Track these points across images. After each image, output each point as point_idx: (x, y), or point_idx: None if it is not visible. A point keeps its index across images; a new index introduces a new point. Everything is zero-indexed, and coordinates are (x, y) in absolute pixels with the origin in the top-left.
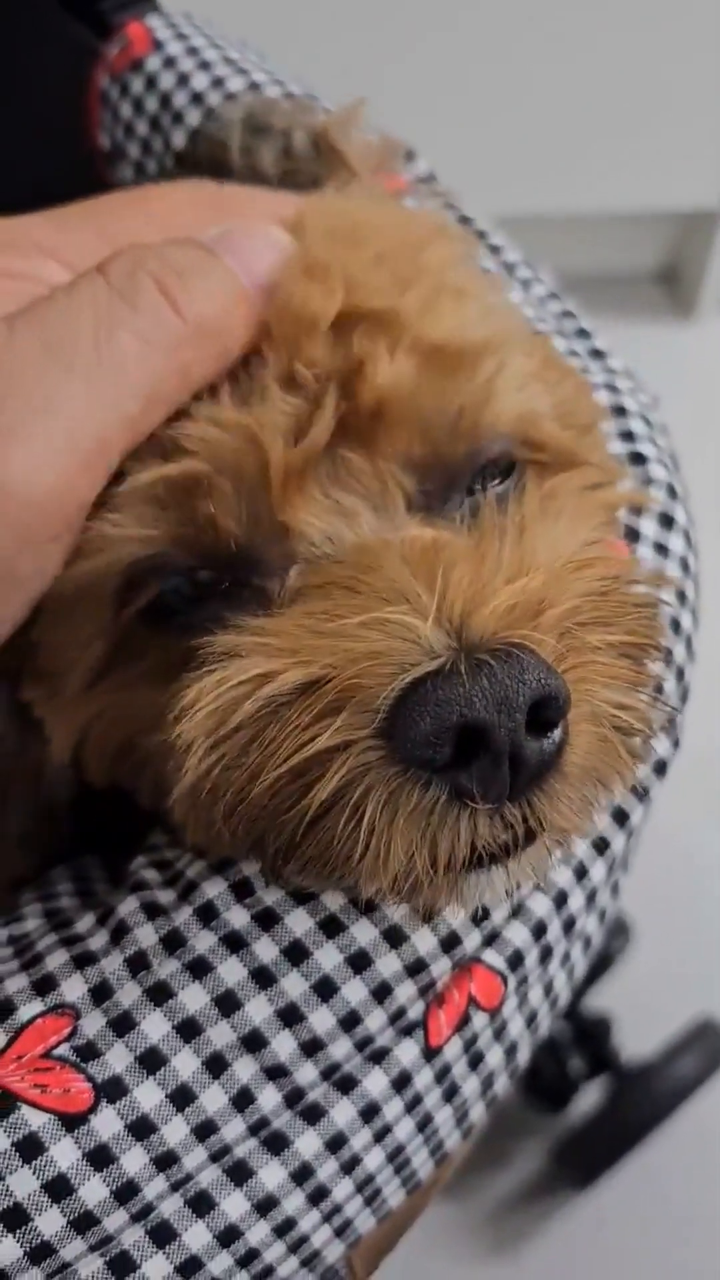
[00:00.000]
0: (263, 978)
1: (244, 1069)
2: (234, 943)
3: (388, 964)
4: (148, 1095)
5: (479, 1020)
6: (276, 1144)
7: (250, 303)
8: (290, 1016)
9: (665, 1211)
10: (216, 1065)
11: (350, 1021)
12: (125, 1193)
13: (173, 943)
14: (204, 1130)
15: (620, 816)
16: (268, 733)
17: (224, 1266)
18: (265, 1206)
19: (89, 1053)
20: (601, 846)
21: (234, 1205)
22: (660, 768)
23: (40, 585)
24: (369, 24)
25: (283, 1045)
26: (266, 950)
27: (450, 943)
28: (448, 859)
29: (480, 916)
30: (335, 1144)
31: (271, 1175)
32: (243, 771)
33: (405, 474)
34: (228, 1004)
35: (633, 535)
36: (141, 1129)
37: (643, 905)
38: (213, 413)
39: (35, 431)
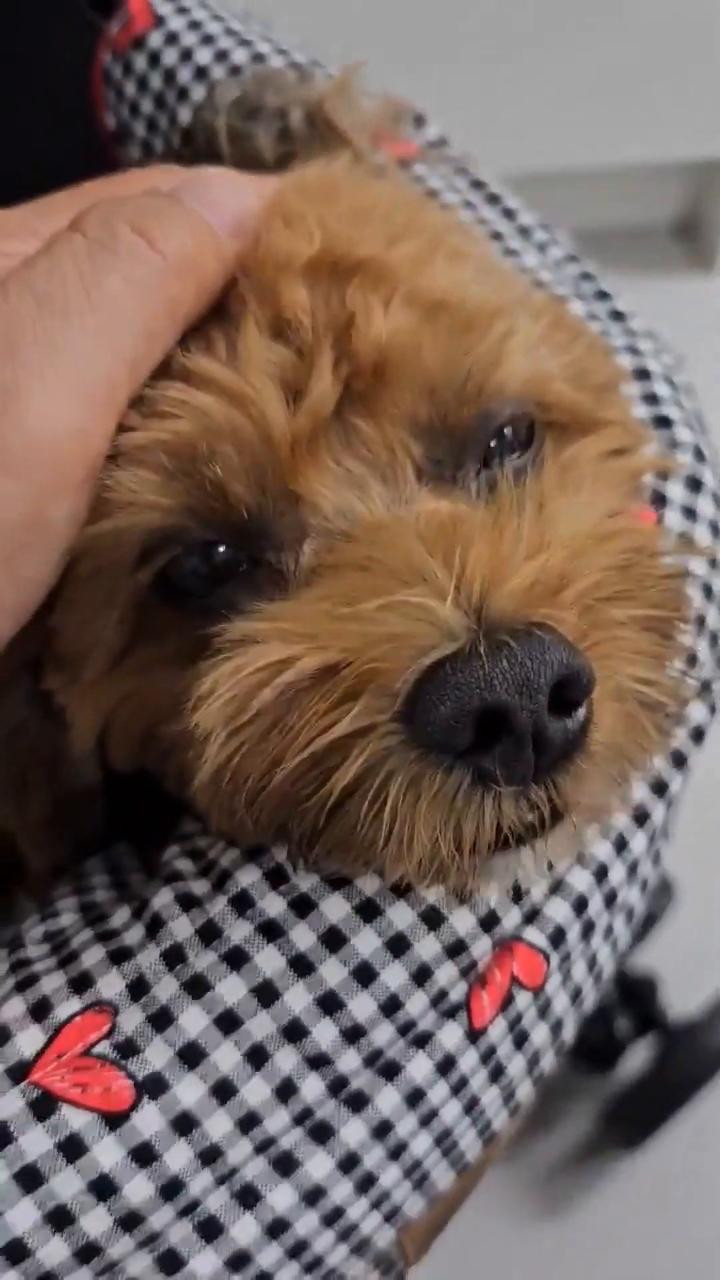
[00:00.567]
0: (301, 966)
1: (285, 1060)
2: (270, 931)
3: (427, 946)
4: (189, 1090)
5: (522, 1000)
6: (322, 1134)
7: (217, 238)
8: (330, 1004)
9: (715, 1170)
10: (257, 1057)
11: (391, 1006)
12: (170, 1189)
13: (209, 934)
14: (248, 1123)
15: (659, 787)
16: (287, 720)
17: (273, 1258)
18: (313, 1197)
19: (129, 1049)
20: (642, 818)
21: (281, 1197)
22: (698, 734)
23: (69, 534)
24: None
25: (324, 1034)
26: (303, 937)
27: (489, 922)
28: (473, 842)
29: (519, 894)
30: (381, 1131)
31: (318, 1165)
32: (263, 759)
33: (413, 440)
34: (266, 994)
35: (659, 500)
36: (184, 1125)
37: (685, 864)
38: (196, 366)
39: (47, 379)
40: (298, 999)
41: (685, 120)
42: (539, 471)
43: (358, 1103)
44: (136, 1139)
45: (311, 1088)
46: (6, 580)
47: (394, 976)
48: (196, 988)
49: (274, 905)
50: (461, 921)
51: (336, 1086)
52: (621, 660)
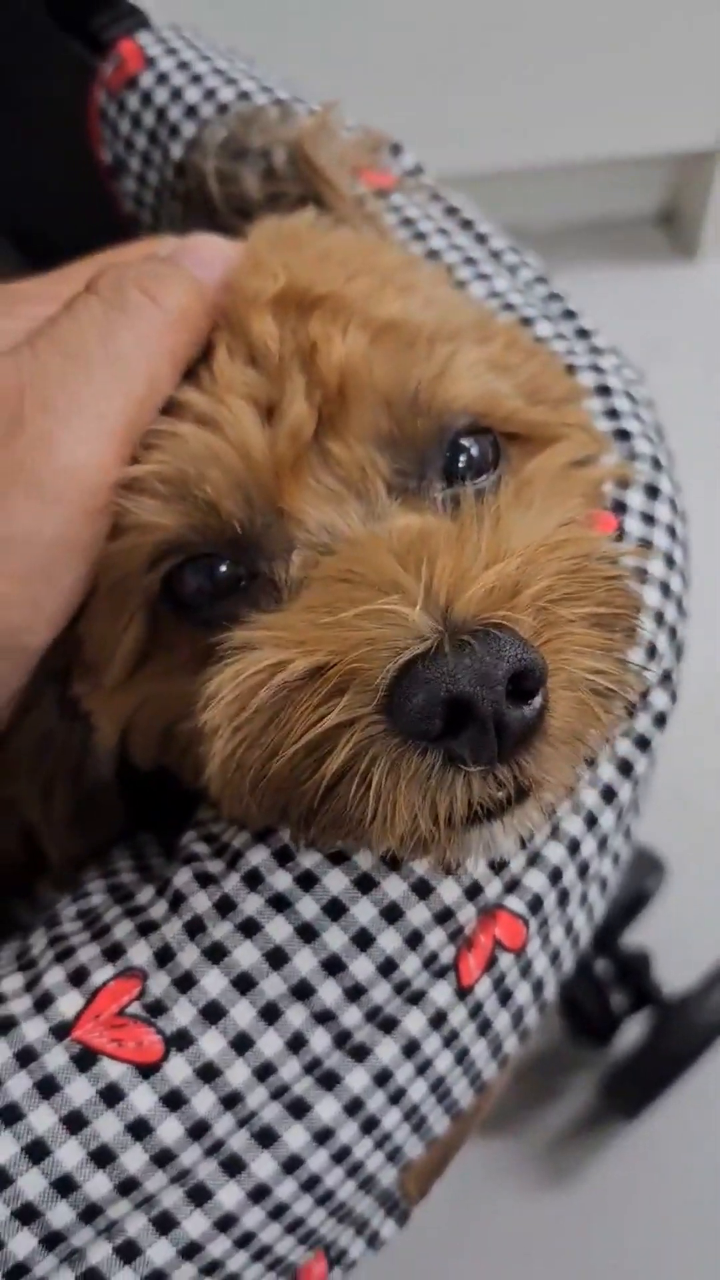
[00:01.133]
0: (307, 933)
1: (295, 1015)
2: (279, 903)
3: (418, 914)
4: (212, 1043)
5: (505, 960)
6: (329, 1081)
7: (207, 294)
8: (333, 966)
9: (713, 1136)
10: (271, 1013)
11: (388, 967)
12: (198, 1130)
13: (225, 907)
14: (264, 1071)
15: (625, 767)
16: (283, 715)
17: (289, 1191)
18: (323, 1137)
19: (157, 1009)
20: (609, 796)
21: (295, 1137)
22: (660, 720)
23: (95, 551)
24: None
25: (329, 992)
26: (308, 908)
27: (473, 891)
28: (448, 816)
29: (500, 867)
30: (382, 1078)
31: (327, 1109)
32: (263, 750)
33: (379, 454)
34: (277, 958)
35: (620, 507)
36: (208, 1073)
37: (675, 842)
38: (181, 397)
39: (74, 424)
40: (305, 962)
41: (667, 113)
42: (498, 489)
43: (360, 1053)
44: (167, 1086)
45: (319, 1040)
46: (47, 590)
47: (389, 941)
48: (215, 954)
49: (281, 880)
50: (448, 891)
51: (341, 1039)
52: (573, 653)
